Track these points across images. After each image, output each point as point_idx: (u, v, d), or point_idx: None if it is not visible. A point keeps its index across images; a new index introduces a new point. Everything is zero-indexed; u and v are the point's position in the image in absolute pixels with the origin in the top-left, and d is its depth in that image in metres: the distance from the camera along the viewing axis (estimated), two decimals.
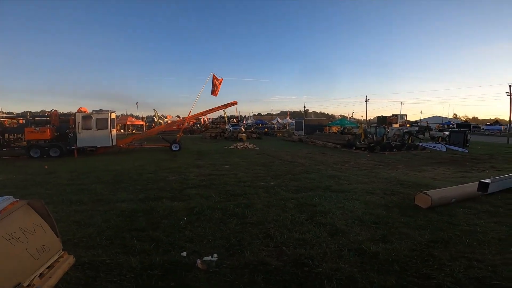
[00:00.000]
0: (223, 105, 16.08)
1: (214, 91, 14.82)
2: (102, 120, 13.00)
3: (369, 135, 16.82)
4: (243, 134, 21.87)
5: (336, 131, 25.16)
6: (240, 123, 41.19)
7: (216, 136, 22.46)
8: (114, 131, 13.61)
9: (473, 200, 5.17)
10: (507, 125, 32.53)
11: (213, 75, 14.85)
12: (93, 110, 13.43)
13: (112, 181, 7.03)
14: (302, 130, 27.18)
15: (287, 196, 5.46)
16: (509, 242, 3.37)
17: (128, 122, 32.73)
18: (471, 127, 37.31)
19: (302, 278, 2.69)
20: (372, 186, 6.40)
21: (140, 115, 49.09)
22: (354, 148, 15.09)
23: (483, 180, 2.39)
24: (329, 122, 30.31)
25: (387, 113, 53.87)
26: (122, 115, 49.13)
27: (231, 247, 3.34)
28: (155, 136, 17.89)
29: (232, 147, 15.40)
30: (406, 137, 17.77)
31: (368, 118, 52.53)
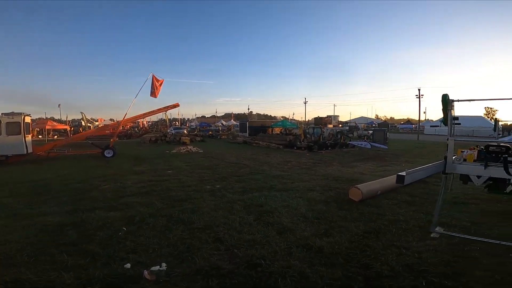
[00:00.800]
0: (164, 107, 15.26)
1: (154, 93, 13.94)
2: (13, 125, 11.08)
3: (308, 135, 18.00)
4: (186, 137, 21.16)
5: (278, 132, 26.22)
6: (183, 126, 39.77)
7: (156, 140, 21.21)
8: (29, 137, 11.73)
9: (394, 191, 5.96)
10: (417, 124, 38.47)
11: (153, 76, 13.98)
12: (2, 114, 11.37)
13: (30, 193, 6.05)
14: (247, 132, 27.62)
15: (234, 198, 5.46)
16: (426, 228, 3.87)
17: (48, 127, 28.36)
18: (389, 126, 43.05)
19: (257, 279, 2.71)
20: (313, 184, 6.85)
21: (64, 118, 43.51)
22: (295, 148, 15.94)
23: (400, 173, 2.76)
24: (272, 123, 31.45)
25: (323, 114, 58.50)
26: (40, 118, 42.77)
27: (180, 254, 3.20)
28: (84, 141, 16.00)
29: (174, 151, 14.74)
30: (339, 137, 19.56)
31: (307, 119, 56.21)
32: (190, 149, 15.07)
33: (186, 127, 40.74)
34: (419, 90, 31.98)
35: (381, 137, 20.28)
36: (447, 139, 3.31)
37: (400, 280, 2.64)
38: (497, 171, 2.91)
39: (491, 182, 3.28)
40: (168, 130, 26.52)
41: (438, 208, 3.72)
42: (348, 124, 44.57)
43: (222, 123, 52.27)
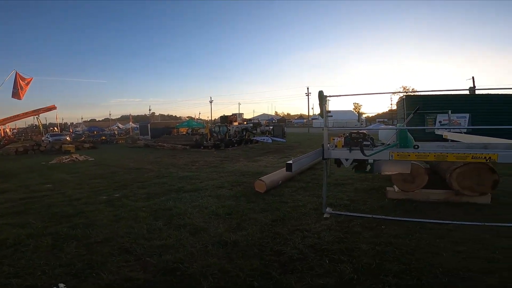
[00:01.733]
0: (34, 111, 12.44)
1: (17, 94, 11.13)
2: None
3: (215, 134, 18.12)
4: (70, 145, 17.87)
5: (185, 133, 25.36)
6: (64, 132, 33.32)
7: (26, 151, 17.10)
8: None
9: (292, 179, 6.71)
10: (307, 118, 44.37)
11: (17, 74, 11.14)
12: None
13: None
14: (149, 135, 25.51)
15: (138, 206, 5.00)
16: (320, 210, 4.43)
17: None
18: (286, 121, 48.23)
19: (177, 283, 2.59)
20: (221, 181, 6.96)
21: None
22: (202, 147, 15.80)
23: (288, 162, 3.12)
24: (177, 124, 30.14)
25: (228, 112, 60.02)
26: None
27: (80, 272, 2.76)
28: None
29: (54, 161, 12.23)
30: (244, 134, 20.49)
31: (213, 118, 56.47)
32: (76, 157, 12.81)
33: (69, 133, 34.41)
34: (307, 88, 37.35)
35: (279, 132, 22.42)
36: (324, 129, 3.91)
37: (309, 260, 2.92)
38: (357, 154, 3.57)
39: (356, 163, 4.03)
40: (43, 138, 21.67)
41: (325, 190, 4.35)
42: (252, 121, 47.19)
43: (118, 127, 46.68)
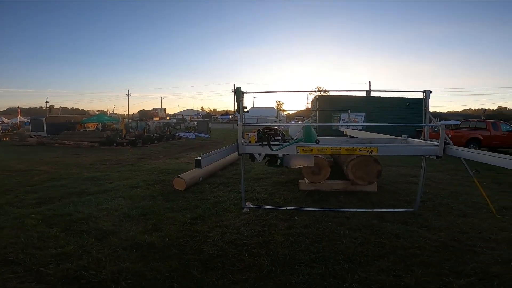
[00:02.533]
0: None
1: None
2: None
3: (131, 130, 16.55)
4: None
5: (94, 128, 22.34)
6: None
7: None
8: None
9: (214, 175, 6.68)
10: (233, 114, 45.03)
11: None
12: None
13: None
14: (44, 130, 21.42)
15: (25, 213, 4.16)
16: (239, 205, 4.51)
17: None
18: (212, 117, 47.90)
19: None
20: (136, 180, 6.40)
21: None
22: (115, 144, 14.23)
23: (197, 158, 3.02)
24: (84, 118, 26.31)
25: (149, 107, 55.71)
26: None
27: None
28: None
29: None
30: (166, 129, 19.39)
31: (131, 113, 51.49)
32: None
33: None
34: (234, 85, 38.29)
35: (204, 128, 22.09)
36: (238, 125, 3.96)
37: (230, 256, 2.94)
38: (268, 149, 3.74)
39: (269, 158, 4.26)
40: None
41: (242, 186, 4.47)
42: (176, 117, 45.13)
43: (2, 121, 37.86)
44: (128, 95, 50.67)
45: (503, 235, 3.32)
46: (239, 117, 4.16)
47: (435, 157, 3.55)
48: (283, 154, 3.94)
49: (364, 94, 20.43)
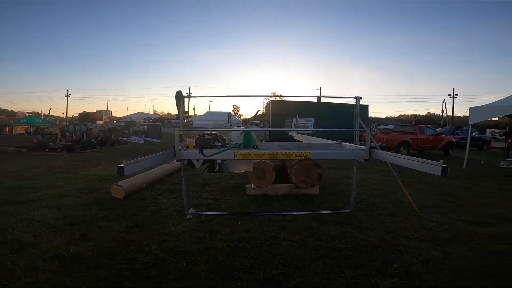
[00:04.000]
0: None
1: None
2: None
3: (67, 134, 14.98)
4: None
5: (23, 132, 19.76)
6: None
7: None
8: None
9: (160, 181, 6.36)
10: (187, 118, 43.92)
11: None
12: None
13: None
14: None
15: None
16: (183, 212, 4.32)
17: None
18: (165, 121, 45.95)
19: None
20: (68, 189, 5.78)
21: None
22: (47, 150, 12.73)
23: (119, 165, 2.72)
24: (11, 121, 23.12)
25: (93, 109, 51.15)
26: None
27: None
28: None
29: None
30: (110, 134, 17.99)
31: (71, 116, 46.76)
32: None
33: None
34: (189, 88, 37.32)
35: (155, 132, 21.02)
36: (175, 130, 3.79)
37: (167, 265, 2.80)
38: (208, 154, 3.59)
39: (209, 164, 4.18)
40: None
41: (184, 191, 4.31)
42: (124, 120, 42.32)
43: None
44: (67, 95, 46.00)
45: (423, 233, 3.65)
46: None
47: (363, 160, 3.81)
48: (221, 160, 3.89)
49: (315, 99, 21.46)
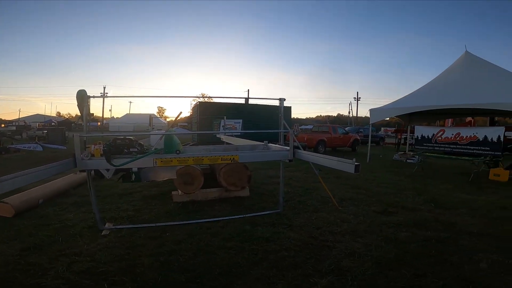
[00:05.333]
0: None
1: None
2: None
3: None
4: None
5: None
6: None
7: None
8: None
9: (64, 195, 5.34)
10: (101, 121, 38.85)
11: None
12: None
13: None
14: None
15: None
16: (96, 228, 3.75)
17: None
18: (72, 124, 39.70)
19: None
20: None
21: None
22: None
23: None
24: None
25: None
26: None
27: None
28: None
29: None
30: None
31: None
32: None
33: None
34: (104, 88, 33.53)
35: (58, 137, 17.83)
36: (74, 135, 3.22)
37: None
38: (119, 162, 3.16)
39: (123, 173, 3.75)
40: None
41: (94, 205, 3.74)
42: (15, 123, 34.72)
43: None
44: None
45: (345, 226, 3.97)
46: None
47: (288, 161, 3.94)
48: (138, 168, 3.48)
49: (243, 101, 21.74)
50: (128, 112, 54.08)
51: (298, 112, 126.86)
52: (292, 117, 22.32)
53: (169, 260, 2.96)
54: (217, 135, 9.42)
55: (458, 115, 13.56)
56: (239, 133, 14.15)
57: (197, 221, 4.10)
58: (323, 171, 5.88)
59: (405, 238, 3.52)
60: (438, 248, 3.18)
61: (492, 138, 8.75)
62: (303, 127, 22.74)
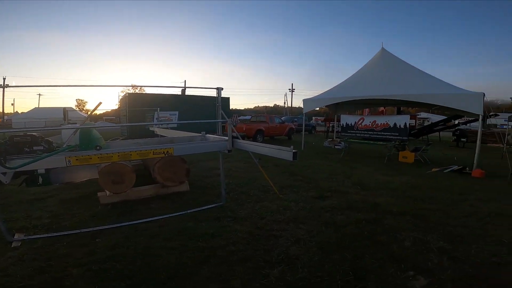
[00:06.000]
0: None
1: None
2: None
3: None
4: None
5: None
6: None
7: None
8: None
9: None
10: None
11: None
12: None
13: None
14: None
15: None
16: (4, 241, 3.11)
17: None
18: None
19: None
20: None
21: None
22: None
23: None
24: None
25: None
26: None
27: None
28: None
29: None
30: None
31: None
32: None
33: None
34: (4, 79, 28.31)
35: None
36: None
37: None
38: (16, 164, 2.65)
39: (27, 175, 3.16)
40: None
41: None
42: None
43: None
44: None
45: (287, 214, 4.08)
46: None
47: (227, 151, 3.86)
48: (45, 170, 2.94)
49: (179, 93, 20.60)
50: (37, 106, 45.49)
51: (237, 103, 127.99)
52: (231, 108, 22.16)
53: (105, 268, 2.63)
54: (150, 128, 8.66)
55: (374, 105, 15.48)
56: (175, 125, 13.43)
57: (131, 222, 3.70)
58: (262, 159, 5.96)
59: (341, 221, 3.82)
60: (369, 229, 3.53)
61: (400, 125, 10.24)
62: (242, 117, 22.82)
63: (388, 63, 11.05)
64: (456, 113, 11.74)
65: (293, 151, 2.90)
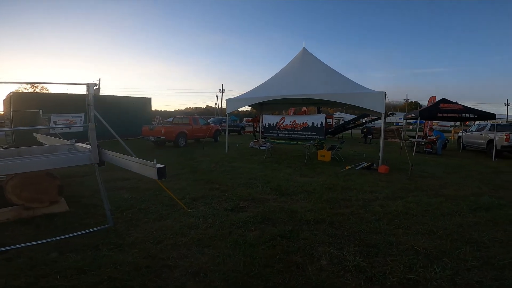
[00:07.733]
0: None
1: None
2: None
3: None
4: None
5: None
6: None
7: None
8: None
9: None
10: None
11: None
12: None
13: None
14: None
15: None
16: None
17: None
18: None
19: None
20: None
21: None
22: None
23: None
24: None
25: None
26: None
27: None
28: None
29: None
30: None
31: None
32: None
33: None
34: None
35: None
36: None
37: None
38: None
39: None
40: None
41: None
42: None
43: None
44: None
45: (192, 234, 3.34)
46: None
47: (96, 165, 3.17)
48: None
49: (84, 92, 17.49)
50: None
51: (167, 105, 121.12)
52: (160, 109, 20.10)
53: None
54: (34, 134, 6.74)
55: (296, 104, 15.92)
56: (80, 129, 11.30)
57: None
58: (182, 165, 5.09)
59: (253, 239, 3.22)
60: (284, 247, 3.03)
61: (317, 124, 10.58)
62: (170, 119, 20.84)
63: (307, 63, 11.29)
64: (363, 112, 12.80)
65: (158, 166, 2.34)
